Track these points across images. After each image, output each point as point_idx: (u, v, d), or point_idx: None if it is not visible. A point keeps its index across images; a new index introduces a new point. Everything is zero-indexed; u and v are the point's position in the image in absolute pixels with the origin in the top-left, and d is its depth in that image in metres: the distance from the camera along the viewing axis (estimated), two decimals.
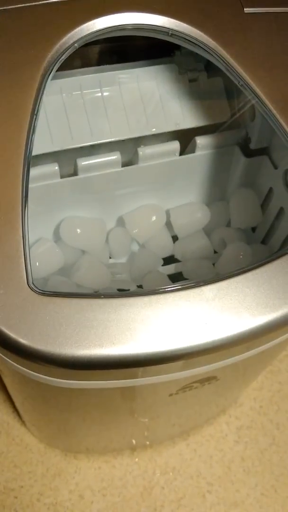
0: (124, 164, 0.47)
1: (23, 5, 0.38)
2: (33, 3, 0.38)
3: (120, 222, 0.53)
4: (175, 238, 0.53)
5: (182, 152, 0.48)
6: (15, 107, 0.35)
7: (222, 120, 0.49)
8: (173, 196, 0.53)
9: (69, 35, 0.38)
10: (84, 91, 0.46)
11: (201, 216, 0.52)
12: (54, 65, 0.37)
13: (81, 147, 0.46)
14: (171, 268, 0.53)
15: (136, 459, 0.66)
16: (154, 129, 0.47)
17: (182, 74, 0.48)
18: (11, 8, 0.38)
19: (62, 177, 0.45)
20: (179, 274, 0.52)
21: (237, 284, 0.33)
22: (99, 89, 0.46)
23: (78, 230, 0.49)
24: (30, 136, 0.35)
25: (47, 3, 0.39)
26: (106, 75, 0.47)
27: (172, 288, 0.33)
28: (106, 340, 0.30)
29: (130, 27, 0.40)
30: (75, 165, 0.45)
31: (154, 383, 0.36)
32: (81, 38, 0.38)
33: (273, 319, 0.33)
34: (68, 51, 0.38)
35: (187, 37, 0.40)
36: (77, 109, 0.46)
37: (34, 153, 0.35)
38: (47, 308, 0.31)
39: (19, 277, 0.31)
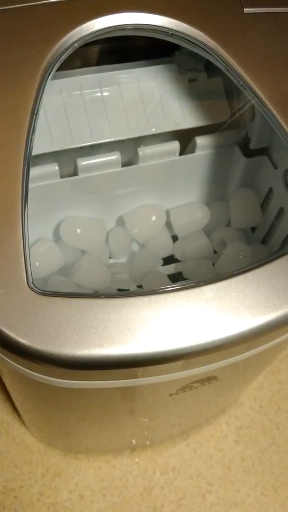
0: (124, 164, 0.47)
1: (23, 5, 0.38)
2: (33, 3, 0.38)
3: (120, 222, 0.53)
4: (175, 238, 0.53)
5: (182, 152, 0.48)
6: (15, 107, 0.35)
7: (222, 120, 0.49)
8: (173, 196, 0.53)
9: (69, 35, 0.38)
10: (84, 91, 0.46)
11: (201, 216, 0.52)
12: (54, 65, 0.37)
13: (81, 147, 0.46)
14: (171, 268, 0.53)
15: (136, 459, 0.66)
16: (154, 129, 0.47)
17: (182, 74, 0.48)
18: (11, 8, 0.38)
19: (62, 177, 0.45)
20: (179, 274, 0.52)
21: (237, 284, 0.33)
22: (99, 89, 0.46)
23: (78, 230, 0.49)
24: (30, 136, 0.35)
25: (47, 3, 0.39)
26: (106, 75, 0.47)
27: (172, 288, 0.33)
28: (106, 340, 0.30)
29: (130, 27, 0.40)
30: (75, 165, 0.45)
31: (154, 383, 0.36)
32: (81, 38, 0.38)
33: (273, 319, 0.33)
34: (68, 51, 0.38)
35: (187, 37, 0.40)
36: (77, 109, 0.46)
37: (34, 153, 0.35)
38: (47, 308, 0.31)
39: (19, 277, 0.31)
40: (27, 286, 0.31)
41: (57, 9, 0.39)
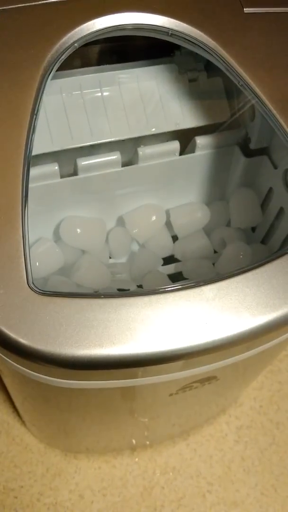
0: (124, 164, 0.47)
1: (23, 5, 0.38)
2: (33, 3, 0.38)
3: (120, 222, 0.53)
4: (175, 238, 0.53)
5: (182, 152, 0.48)
6: (15, 107, 0.35)
7: (222, 120, 0.49)
8: (173, 196, 0.53)
9: (69, 35, 0.38)
10: (84, 91, 0.46)
11: (201, 216, 0.52)
12: (54, 65, 0.37)
13: (81, 147, 0.46)
14: (171, 268, 0.53)
15: (136, 459, 0.66)
16: (154, 129, 0.47)
17: (182, 74, 0.48)
18: (11, 8, 0.38)
19: (62, 177, 0.45)
20: (179, 274, 0.52)
21: (237, 284, 0.33)
22: (99, 89, 0.46)
23: (78, 230, 0.49)
24: (30, 136, 0.35)
25: (47, 3, 0.39)
26: (106, 75, 0.47)
27: (172, 288, 0.33)
28: (106, 340, 0.30)
29: (130, 27, 0.40)
30: (75, 165, 0.45)
31: (154, 383, 0.36)
32: (81, 38, 0.38)
33: (273, 319, 0.33)
34: (68, 51, 0.38)
35: (187, 37, 0.40)
36: (77, 109, 0.46)
37: (34, 153, 0.35)
38: (47, 308, 0.31)
39: (19, 277, 0.31)
40: (27, 286, 0.31)
41: (57, 9, 0.39)
